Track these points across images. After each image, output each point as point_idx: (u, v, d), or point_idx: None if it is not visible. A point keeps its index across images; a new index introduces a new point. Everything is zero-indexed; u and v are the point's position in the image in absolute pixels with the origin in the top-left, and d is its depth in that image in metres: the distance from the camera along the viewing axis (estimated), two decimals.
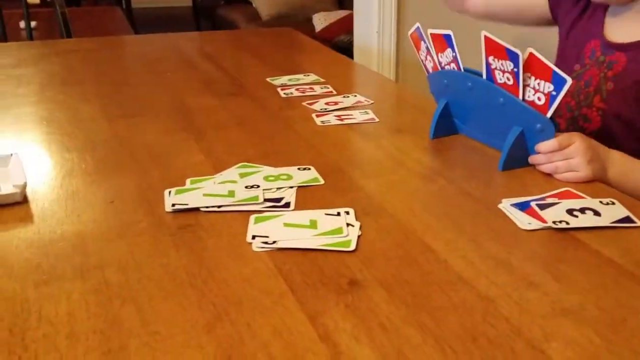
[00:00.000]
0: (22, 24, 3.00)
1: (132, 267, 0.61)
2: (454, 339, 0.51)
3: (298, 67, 1.48)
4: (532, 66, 0.80)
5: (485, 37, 0.83)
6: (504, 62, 0.82)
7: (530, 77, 0.81)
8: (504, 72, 0.83)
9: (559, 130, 0.83)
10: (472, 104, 0.93)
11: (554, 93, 0.78)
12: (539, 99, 0.81)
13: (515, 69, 0.81)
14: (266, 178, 0.81)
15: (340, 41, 3.18)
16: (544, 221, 0.69)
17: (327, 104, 1.16)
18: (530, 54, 0.79)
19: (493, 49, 0.83)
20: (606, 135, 0.94)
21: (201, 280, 0.59)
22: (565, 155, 0.81)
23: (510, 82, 0.83)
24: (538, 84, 0.80)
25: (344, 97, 1.20)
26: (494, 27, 1.09)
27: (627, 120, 0.95)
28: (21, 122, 1.07)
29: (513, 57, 0.81)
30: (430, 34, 0.94)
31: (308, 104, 1.16)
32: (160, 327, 0.52)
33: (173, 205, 0.74)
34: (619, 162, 0.83)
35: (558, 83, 0.77)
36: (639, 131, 0.95)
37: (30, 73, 1.41)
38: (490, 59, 0.84)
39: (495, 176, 0.84)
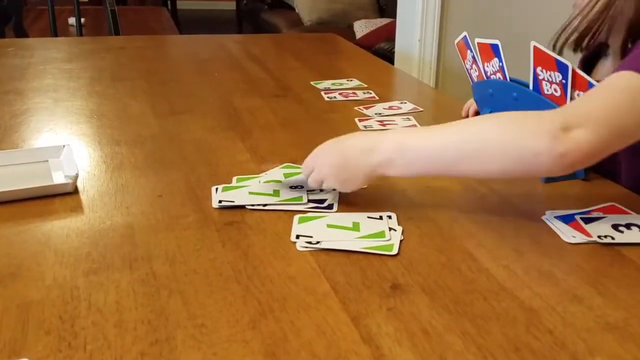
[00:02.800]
0: (70, 20, 3.09)
1: (179, 260, 0.63)
2: (497, 348, 0.51)
3: (341, 72, 1.49)
4: (580, 79, 0.79)
5: (535, 47, 0.83)
6: (552, 73, 0.82)
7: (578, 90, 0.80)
8: (551, 83, 0.83)
9: None
10: None
11: None
12: None
13: (564, 81, 0.80)
14: None
15: (380, 48, 3.18)
16: (588, 235, 0.69)
17: (384, 109, 1.17)
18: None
19: (542, 59, 0.82)
20: None
21: (246, 276, 0.60)
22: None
23: (558, 94, 0.82)
24: None
25: (401, 103, 1.21)
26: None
27: None
28: (72, 115, 1.10)
29: (562, 69, 0.80)
30: (477, 43, 0.94)
31: (365, 107, 1.17)
32: (207, 320, 0.53)
33: (220, 202, 0.75)
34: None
35: None
36: None
37: (80, 68, 1.45)
38: (539, 69, 0.84)
39: (537, 188, 0.83)
